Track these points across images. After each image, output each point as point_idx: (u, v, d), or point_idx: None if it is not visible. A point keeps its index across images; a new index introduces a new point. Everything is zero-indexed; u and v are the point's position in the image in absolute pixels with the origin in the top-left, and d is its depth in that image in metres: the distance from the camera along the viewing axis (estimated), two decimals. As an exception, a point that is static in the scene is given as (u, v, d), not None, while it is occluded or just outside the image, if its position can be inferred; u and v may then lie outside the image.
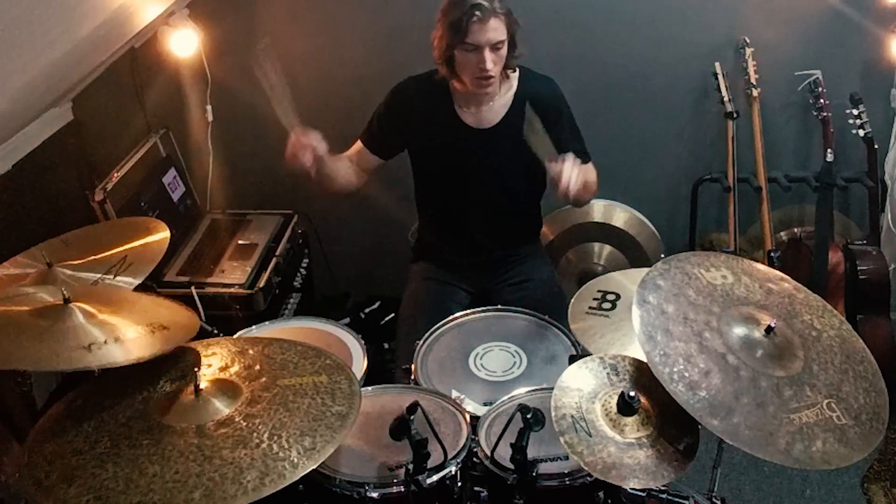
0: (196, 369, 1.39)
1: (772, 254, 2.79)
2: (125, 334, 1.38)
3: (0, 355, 1.30)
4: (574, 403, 1.45)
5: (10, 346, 1.30)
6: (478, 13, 1.91)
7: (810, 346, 1.46)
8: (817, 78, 2.67)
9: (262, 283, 2.50)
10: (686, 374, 1.35)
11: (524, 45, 2.07)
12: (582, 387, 1.49)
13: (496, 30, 1.94)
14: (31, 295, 1.48)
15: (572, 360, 1.65)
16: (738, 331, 1.45)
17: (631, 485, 1.35)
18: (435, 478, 1.46)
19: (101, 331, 1.38)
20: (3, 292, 1.54)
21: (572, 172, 1.87)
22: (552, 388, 1.48)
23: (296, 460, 1.23)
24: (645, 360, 1.41)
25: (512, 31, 2.00)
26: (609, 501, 1.56)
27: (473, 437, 1.58)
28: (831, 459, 1.29)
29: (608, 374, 1.51)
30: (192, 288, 2.43)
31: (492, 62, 1.97)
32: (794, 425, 1.31)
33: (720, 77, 2.73)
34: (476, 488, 1.56)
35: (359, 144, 2.24)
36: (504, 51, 2.00)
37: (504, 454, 1.50)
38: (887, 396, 1.44)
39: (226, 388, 1.39)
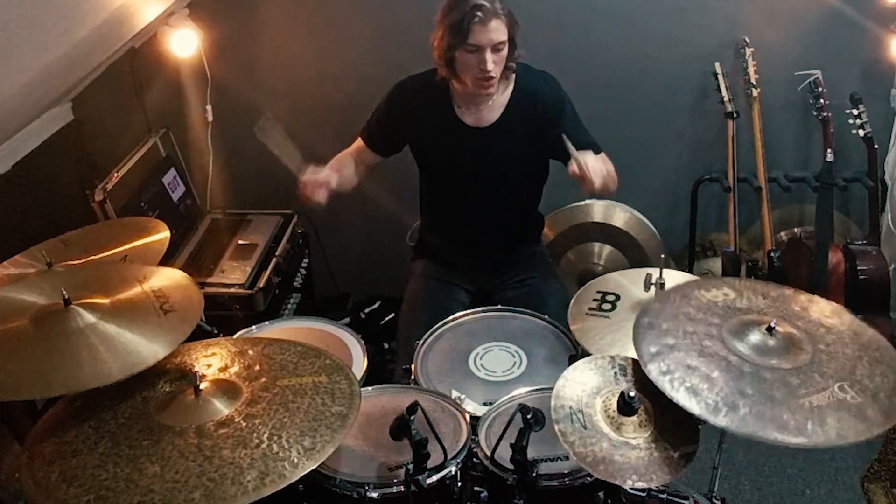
0: (195, 369, 1.39)
1: (772, 254, 2.79)
2: (136, 327, 1.39)
3: (11, 385, 1.29)
4: (575, 396, 1.46)
5: (18, 373, 1.31)
6: (479, 14, 1.91)
7: (818, 340, 1.45)
8: (817, 78, 2.67)
9: (262, 283, 2.50)
10: (686, 381, 1.36)
11: (525, 46, 2.08)
12: (587, 381, 1.49)
13: (497, 30, 1.94)
14: (31, 301, 1.48)
15: (572, 360, 1.65)
16: (740, 334, 1.45)
17: (617, 481, 1.34)
18: (435, 478, 1.46)
19: (109, 327, 1.39)
20: (2, 294, 1.54)
21: (594, 166, 1.91)
22: (552, 388, 1.48)
23: (296, 460, 1.23)
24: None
25: (512, 32, 2.00)
26: (609, 501, 1.57)
27: (473, 437, 1.58)
28: (848, 434, 1.28)
29: (615, 373, 1.52)
30: (192, 288, 2.43)
31: (493, 63, 1.97)
32: (803, 409, 1.31)
33: (720, 77, 2.73)
34: (476, 488, 1.56)
35: (359, 142, 2.25)
36: (505, 51, 2.00)
37: (504, 454, 1.50)
38: None
39: (226, 388, 1.39)
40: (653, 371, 1.38)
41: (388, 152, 2.26)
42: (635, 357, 1.54)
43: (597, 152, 2.19)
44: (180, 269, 2.51)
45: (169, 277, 1.59)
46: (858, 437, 1.28)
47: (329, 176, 2.05)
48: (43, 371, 1.31)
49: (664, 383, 1.35)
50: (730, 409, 1.31)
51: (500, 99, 2.14)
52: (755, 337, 1.43)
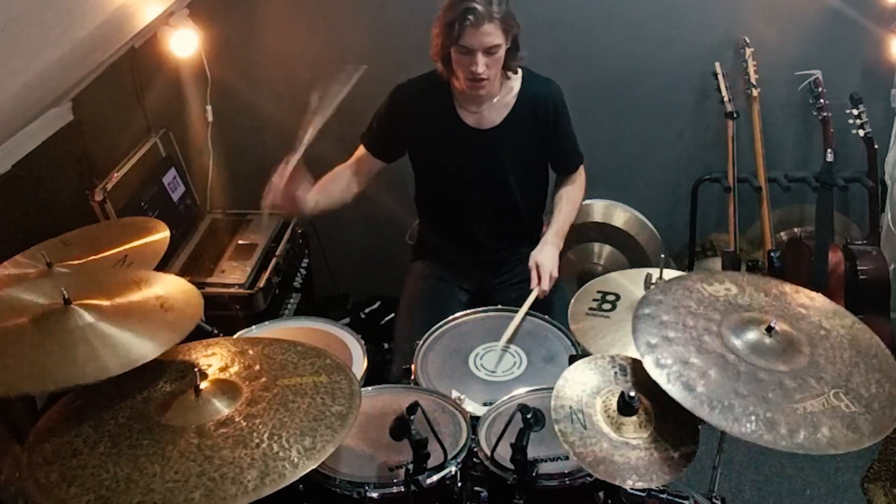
0: (196, 369, 1.39)
1: (772, 254, 2.79)
2: (135, 327, 1.40)
3: (10, 380, 1.30)
4: (575, 396, 1.46)
5: (18, 367, 1.31)
6: (471, 17, 1.89)
7: (817, 344, 1.45)
8: (817, 78, 2.68)
9: (262, 283, 2.50)
10: (682, 375, 1.35)
11: (525, 47, 2.07)
12: (587, 381, 1.49)
13: (490, 34, 1.93)
14: (31, 300, 1.48)
15: (572, 360, 1.65)
16: (739, 332, 1.44)
17: (617, 482, 1.34)
18: (435, 478, 1.46)
19: (109, 327, 1.39)
20: (2, 294, 1.54)
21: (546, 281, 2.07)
22: (552, 388, 1.48)
23: (296, 460, 1.23)
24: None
25: (511, 34, 1.99)
26: (609, 501, 1.57)
27: (473, 437, 1.58)
28: (839, 444, 1.27)
29: (615, 373, 1.52)
30: (192, 288, 2.43)
31: (484, 66, 1.96)
32: (797, 414, 1.30)
33: (720, 77, 2.73)
34: (476, 488, 1.56)
35: (361, 149, 2.23)
36: (500, 54, 1.99)
37: (504, 454, 1.50)
38: None
39: (226, 388, 1.39)
40: (649, 363, 1.38)
41: (390, 157, 2.24)
42: (635, 357, 1.54)
43: (578, 164, 2.28)
44: (180, 269, 2.55)
45: (168, 281, 1.59)
46: (849, 447, 1.28)
47: (302, 190, 1.95)
48: (43, 367, 1.31)
49: (661, 378, 1.35)
50: (724, 407, 1.30)
51: (503, 101, 2.14)
52: (754, 336, 1.43)
